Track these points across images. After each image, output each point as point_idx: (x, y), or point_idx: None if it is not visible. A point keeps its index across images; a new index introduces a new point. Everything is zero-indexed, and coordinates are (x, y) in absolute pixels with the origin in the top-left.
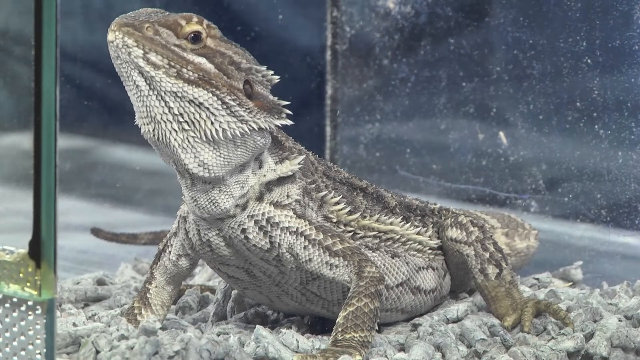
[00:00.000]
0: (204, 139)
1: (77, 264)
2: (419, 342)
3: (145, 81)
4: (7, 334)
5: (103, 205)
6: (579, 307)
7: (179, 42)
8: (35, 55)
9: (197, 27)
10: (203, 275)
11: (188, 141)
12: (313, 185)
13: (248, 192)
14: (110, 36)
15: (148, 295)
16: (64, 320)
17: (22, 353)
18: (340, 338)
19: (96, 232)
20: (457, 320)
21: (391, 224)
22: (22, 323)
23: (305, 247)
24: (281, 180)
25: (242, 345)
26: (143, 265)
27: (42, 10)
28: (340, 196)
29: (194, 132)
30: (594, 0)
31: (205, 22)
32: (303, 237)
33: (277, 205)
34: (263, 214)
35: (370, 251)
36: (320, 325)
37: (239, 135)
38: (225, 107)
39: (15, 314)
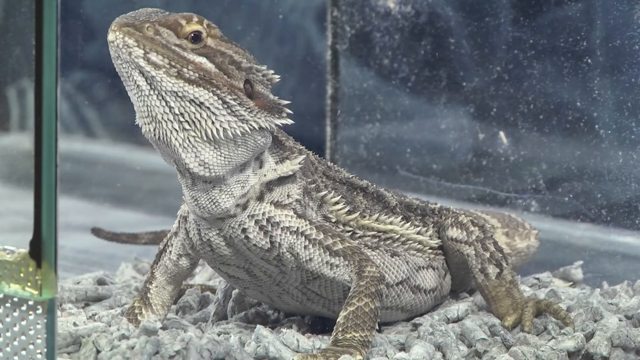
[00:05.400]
0: (205, 138)
1: (78, 264)
2: (419, 342)
3: (146, 81)
4: (8, 334)
5: (103, 205)
6: (580, 306)
7: (180, 42)
8: (35, 55)
9: (198, 27)
10: (203, 275)
11: (189, 141)
12: (313, 185)
13: (249, 191)
14: (110, 36)
15: (149, 295)
16: (64, 320)
17: (23, 353)
18: (340, 338)
19: (96, 231)
20: (458, 319)
21: (391, 223)
22: (23, 323)
23: (305, 247)
24: (282, 180)
25: (243, 344)
26: (143, 265)
27: (42, 10)
28: (340, 196)
29: (195, 132)
30: (594, 0)
31: (206, 21)
32: (303, 237)
33: (277, 205)
34: (263, 214)
35: (370, 250)
36: (320, 324)
37: (240, 134)
38: (225, 106)
39: (16, 314)
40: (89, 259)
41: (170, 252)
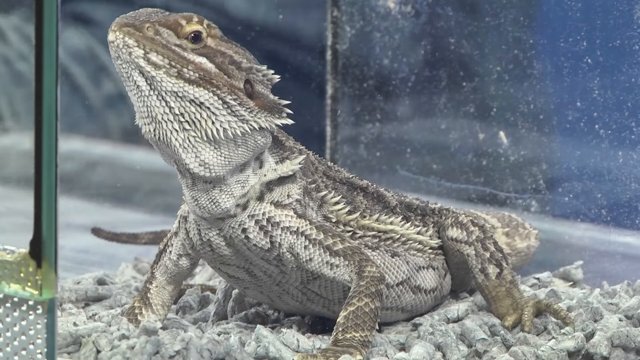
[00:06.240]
0: (205, 138)
1: (78, 264)
2: (419, 342)
3: (146, 81)
4: (8, 334)
5: (103, 205)
6: (580, 306)
7: (180, 42)
8: (36, 55)
9: (198, 27)
10: (203, 274)
11: (189, 141)
12: (313, 185)
13: (249, 191)
14: (110, 36)
15: (149, 295)
16: (64, 320)
17: (23, 353)
18: (340, 338)
19: (97, 231)
20: (458, 319)
21: (391, 223)
22: (23, 323)
23: (305, 247)
24: (282, 180)
25: (243, 344)
26: (143, 265)
27: (42, 10)
28: (340, 196)
29: (195, 132)
30: (594, 0)
31: (206, 21)
32: (304, 237)
33: (277, 204)
34: (264, 214)
35: (370, 250)
36: (320, 324)
37: (240, 134)
38: (226, 106)
39: (16, 314)
40: (89, 259)
41: (170, 252)
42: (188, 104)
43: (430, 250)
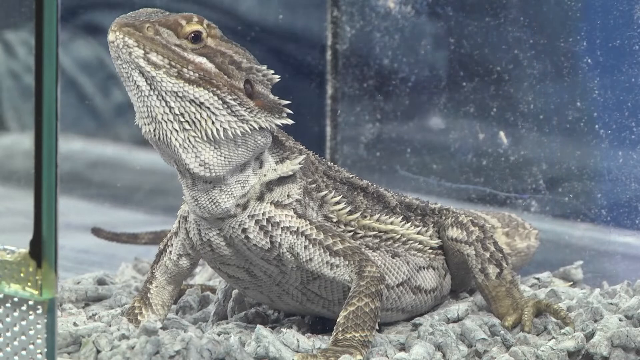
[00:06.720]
0: (205, 138)
1: (78, 264)
2: (419, 342)
3: (146, 81)
4: (8, 334)
5: (103, 205)
6: (580, 306)
7: (180, 42)
8: (36, 55)
9: (198, 27)
10: (204, 274)
11: (189, 141)
12: (314, 185)
13: (249, 191)
14: (110, 36)
15: (149, 295)
16: (64, 320)
17: (23, 353)
18: (340, 338)
19: (97, 231)
20: (458, 319)
21: (392, 223)
22: (23, 322)
23: (305, 247)
24: (282, 180)
25: (243, 344)
26: (143, 265)
27: (42, 10)
28: (341, 196)
29: (195, 132)
30: (594, 0)
31: (206, 21)
32: (304, 237)
33: (277, 204)
34: (264, 214)
35: (371, 251)
36: (320, 324)
37: (240, 134)
38: (226, 106)
39: (16, 314)
40: (89, 259)
41: (171, 252)
42: (188, 104)
43: (431, 250)
